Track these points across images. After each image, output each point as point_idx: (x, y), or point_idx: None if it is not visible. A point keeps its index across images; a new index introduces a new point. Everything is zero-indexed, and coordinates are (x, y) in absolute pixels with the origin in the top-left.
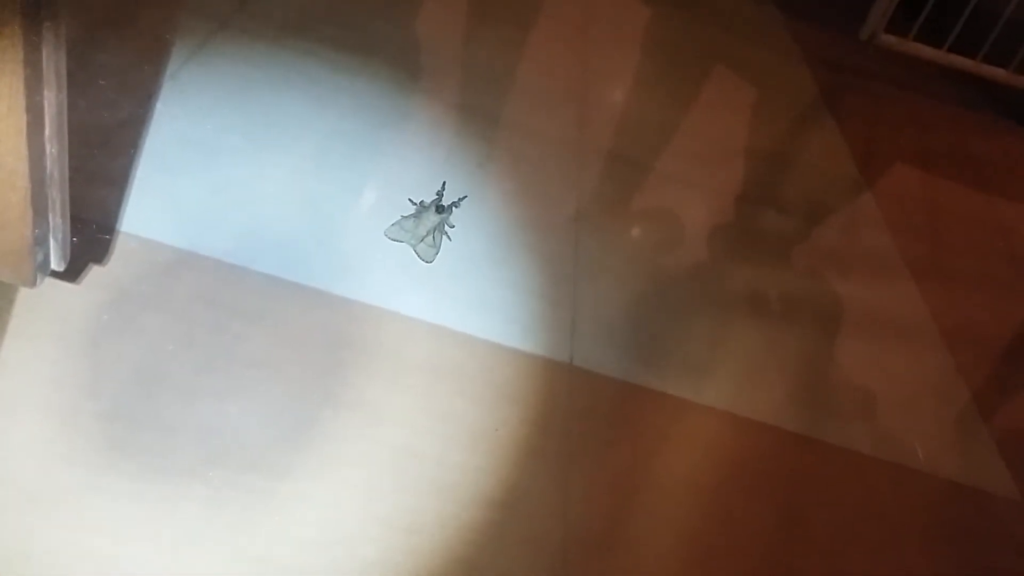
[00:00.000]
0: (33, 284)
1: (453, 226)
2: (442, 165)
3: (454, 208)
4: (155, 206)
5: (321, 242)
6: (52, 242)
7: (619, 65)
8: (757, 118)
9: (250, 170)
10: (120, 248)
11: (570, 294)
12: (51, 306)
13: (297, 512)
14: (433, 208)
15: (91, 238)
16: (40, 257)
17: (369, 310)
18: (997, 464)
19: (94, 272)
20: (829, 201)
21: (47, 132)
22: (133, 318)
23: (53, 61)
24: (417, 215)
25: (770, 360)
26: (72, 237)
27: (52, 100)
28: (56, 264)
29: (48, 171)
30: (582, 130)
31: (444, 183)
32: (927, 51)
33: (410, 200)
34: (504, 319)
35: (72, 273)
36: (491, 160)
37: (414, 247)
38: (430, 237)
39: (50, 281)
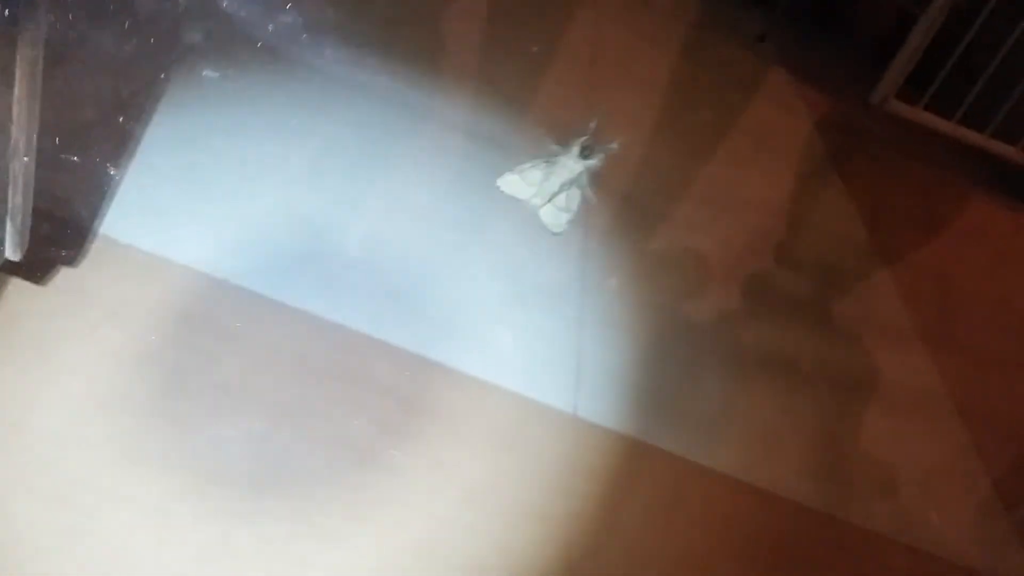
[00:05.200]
0: None
1: (594, 187)
2: (448, 184)
3: (606, 153)
4: (136, 209)
5: (310, 260)
6: (8, 225)
7: (625, 107)
8: (764, 172)
9: (239, 178)
10: (94, 250)
11: (575, 338)
12: (5, 305)
13: (264, 563)
14: (576, 149)
15: (64, 236)
16: None
17: (356, 338)
18: (1020, 556)
19: (62, 274)
20: (839, 263)
21: (16, 92)
22: (95, 327)
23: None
24: (549, 162)
25: (784, 426)
26: (46, 235)
27: (26, 56)
28: (11, 253)
29: (13, 141)
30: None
31: (597, 115)
32: (937, 122)
33: (543, 135)
34: (503, 357)
35: (38, 272)
36: (496, 193)
37: (538, 208)
38: (563, 195)
39: (11, 279)
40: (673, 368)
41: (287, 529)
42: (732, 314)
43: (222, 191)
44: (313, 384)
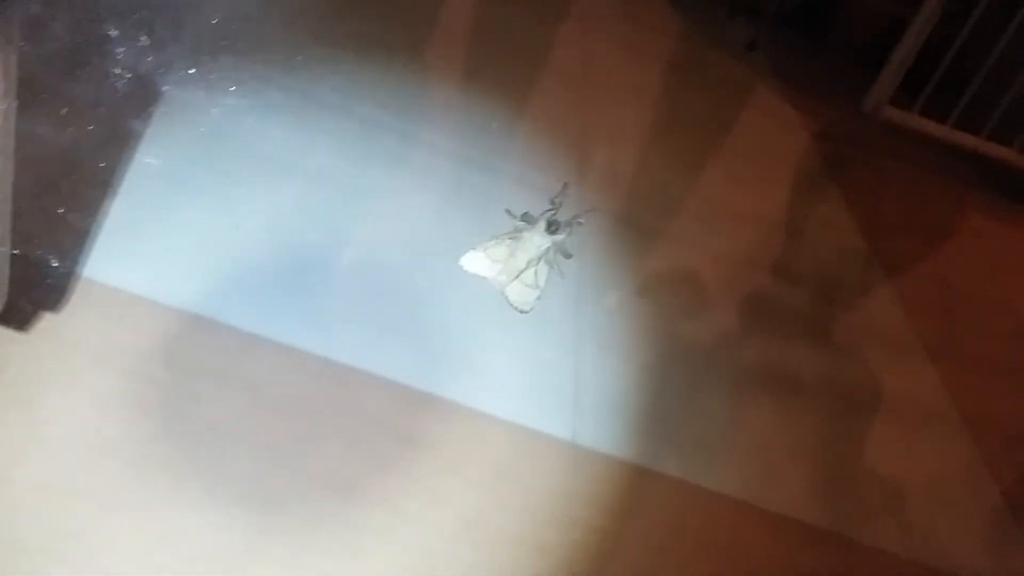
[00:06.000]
0: None
1: (571, 255)
2: (436, 210)
3: (574, 227)
4: (119, 249)
5: (298, 295)
6: None
7: (618, 123)
8: (759, 184)
9: (226, 212)
10: (77, 294)
11: (572, 362)
12: None
13: None
14: (542, 224)
15: (45, 280)
16: None
17: (347, 372)
18: None
19: (44, 319)
20: (839, 274)
21: None
22: (80, 372)
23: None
24: (514, 237)
25: (788, 444)
26: (29, 278)
27: None
28: None
29: None
30: (583, 188)
31: (565, 184)
32: (931, 126)
33: (507, 212)
34: (498, 386)
35: (19, 317)
36: (486, 216)
37: (503, 288)
38: (531, 272)
39: None
40: (673, 389)
41: (283, 571)
42: (731, 332)
43: (206, 227)
44: (304, 421)
